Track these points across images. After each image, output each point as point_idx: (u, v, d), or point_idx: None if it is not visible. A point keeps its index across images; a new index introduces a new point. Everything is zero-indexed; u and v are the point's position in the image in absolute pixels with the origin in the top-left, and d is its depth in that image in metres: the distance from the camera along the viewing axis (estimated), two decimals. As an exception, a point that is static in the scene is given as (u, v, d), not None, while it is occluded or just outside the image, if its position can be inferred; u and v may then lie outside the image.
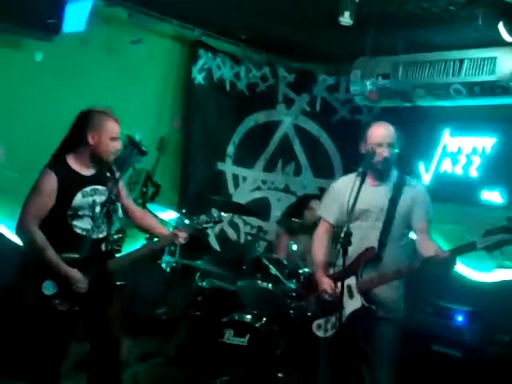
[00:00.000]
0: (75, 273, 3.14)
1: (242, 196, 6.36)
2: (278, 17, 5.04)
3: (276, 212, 6.42)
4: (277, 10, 4.88)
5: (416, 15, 4.51)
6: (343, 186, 3.56)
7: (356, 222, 3.42)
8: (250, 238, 5.89)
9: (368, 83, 5.25)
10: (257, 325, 4.37)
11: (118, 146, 3.33)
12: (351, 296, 3.33)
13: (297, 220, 5.04)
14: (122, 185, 3.50)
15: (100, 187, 3.32)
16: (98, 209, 3.28)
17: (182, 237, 3.45)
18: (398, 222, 3.40)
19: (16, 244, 4.48)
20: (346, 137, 6.12)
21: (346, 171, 6.05)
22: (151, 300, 5.12)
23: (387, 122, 3.50)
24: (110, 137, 3.28)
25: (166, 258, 4.81)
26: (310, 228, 5.03)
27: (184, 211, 5.11)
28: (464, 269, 5.17)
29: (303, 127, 6.46)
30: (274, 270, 4.56)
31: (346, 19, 4.26)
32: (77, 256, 3.17)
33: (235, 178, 6.38)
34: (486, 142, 5.42)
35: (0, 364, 4.03)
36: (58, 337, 3.19)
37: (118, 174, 3.42)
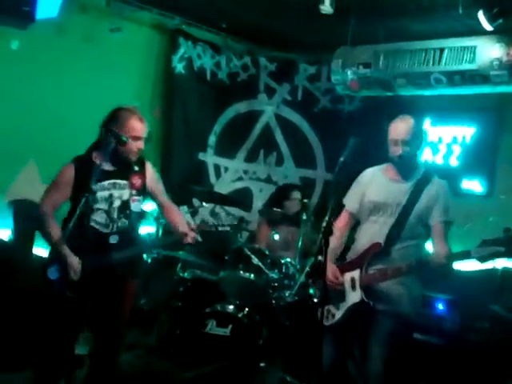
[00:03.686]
0: (74, 260, 3.16)
1: (223, 186, 6.34)
2: (259, 5, 5.01)
3: (258, 202, 6.41)
4: (258, -1, 4.85)
5: (397, 4, 4.51)
6: (367, 177, 3.54)
7: (372, 216, 3.41)
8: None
9: (349, 72, 5.24)
10: (239, 315, 4.36)
11: (140, 145, 3.36)
12: (354, 289, 3.32)
13: (278, 210, 5.03)
14: (155, 179, 3.54)
15: (121, 181, 3.36)
16: (116, 202, 3.33)
17: (191, 237, 3.48)
18: (413, 219, 3.31)
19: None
20: (328, 126, 6.14)
21: (328, 160, 6.19)
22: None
23: (410, 117, 3.41)
24: (132, 135, 3.30)
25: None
26: (291, 218, 5.04)
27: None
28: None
29: (285, 117, 6.44)
30: (255, 260, 4.55)
31: (326, 8, 4.25)
32: (83, 246, 3.16)
33: (217, 168, 6.35)
34: (466, 132, 5.45)
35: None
36: (60, 322, 3.20)
37: (149, 170, 3.49)
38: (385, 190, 3.40)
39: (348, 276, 3.35)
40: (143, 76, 5.66)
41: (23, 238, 4.56)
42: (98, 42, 5.05)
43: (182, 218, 3.68)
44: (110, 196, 3.31)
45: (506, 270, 4.82)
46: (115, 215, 3.33)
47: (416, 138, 3.36)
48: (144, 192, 3.48)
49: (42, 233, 3.31)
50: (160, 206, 3.62)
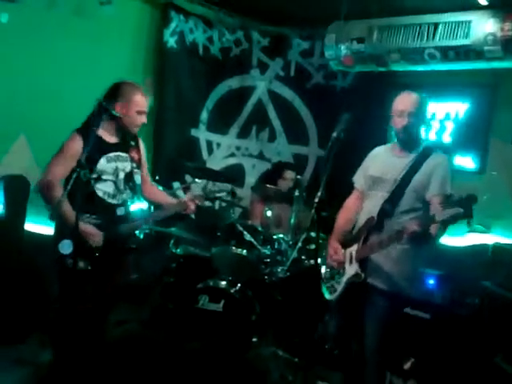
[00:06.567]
0: (90, 227, 3.26)
1: (215, 162, 6.31)
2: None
3: (250, 178, 6.39)
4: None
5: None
6: (374, 155, 3.57)
7: (371, 191, 3.45)
8: (224, 204, 5.87)
9: (343, 48, 5.20)
10: (231, 291, 4.38)
11: (143, 119, 3.46)
12: (351, 263, 3.38)
13: (271, 187, 5.02)
14: (143, 155, 3.64)
15: (123, 154, 3.47)
16: (121, 175, 3.44)
17: (193, 206, 3.63)
18: (409, 193, 3.30)
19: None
20: (321, 102, 6.11)
21: (321, 137, 6.17)
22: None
23: (414, 92, 3.39)
24: (137, 110, 3.41)
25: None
26: (284, 195, 5.04)
27: (157, 178, 5.05)
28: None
29: (277, 92, 6.39)
30: (248, 236, 4.56)
31: (320, -19, 4.20)
32: (94, 217, 3.30)
33: (209, 144, 6.32)
34: (459, 108, 5.44)
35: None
36: (77, 294, 3.24)
37: (141, 146, 3.61)
38: (384, 164, 3.42)
39: (348, 251, 3.42)
40: (134, 50, 5.57)
41: (15, 213, 4.55)
42: (89, 15, 4.95)
43: (165, 194, 3.80)
44: (116, 168, 3.41)
45: (496, 246, 4.85)
46: (122, 186, 3.44)
47: (420, 112, 3.37)
48: (140, 166, 3.58)
49: (53, 205, 3.22)
50: (142, 180, 3.63)
